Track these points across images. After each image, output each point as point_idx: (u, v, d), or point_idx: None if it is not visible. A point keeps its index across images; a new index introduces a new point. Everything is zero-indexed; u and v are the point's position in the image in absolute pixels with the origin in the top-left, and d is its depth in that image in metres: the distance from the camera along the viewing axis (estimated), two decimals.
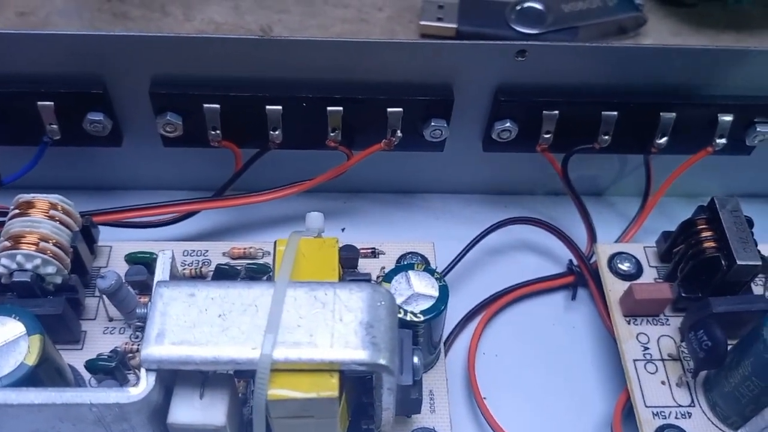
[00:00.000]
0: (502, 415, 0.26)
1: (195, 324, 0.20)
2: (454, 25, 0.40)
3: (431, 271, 0.24)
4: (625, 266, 0.29)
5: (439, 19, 0.41)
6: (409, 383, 0.21)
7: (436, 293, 0.24)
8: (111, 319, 0.26)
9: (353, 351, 0.20)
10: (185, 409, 0.20)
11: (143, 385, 0.20)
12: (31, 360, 0.21)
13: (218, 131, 0.28)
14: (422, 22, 0.41)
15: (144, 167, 0.31)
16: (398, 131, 0.29)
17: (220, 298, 0.20)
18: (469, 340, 0.29)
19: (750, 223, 0.27)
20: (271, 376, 0.19)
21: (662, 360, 0.27)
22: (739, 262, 0.25)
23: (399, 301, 0.23)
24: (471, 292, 0.30)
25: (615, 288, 0.29)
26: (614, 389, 0.28)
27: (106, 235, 0.28)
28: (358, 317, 0.20)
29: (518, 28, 0.41)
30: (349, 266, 0.27)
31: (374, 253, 0.28)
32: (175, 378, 0.21)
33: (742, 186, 0.33)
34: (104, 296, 0.25)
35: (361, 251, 0.28)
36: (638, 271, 0.29)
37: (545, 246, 0.32)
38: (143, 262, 0.26)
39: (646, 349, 0.27)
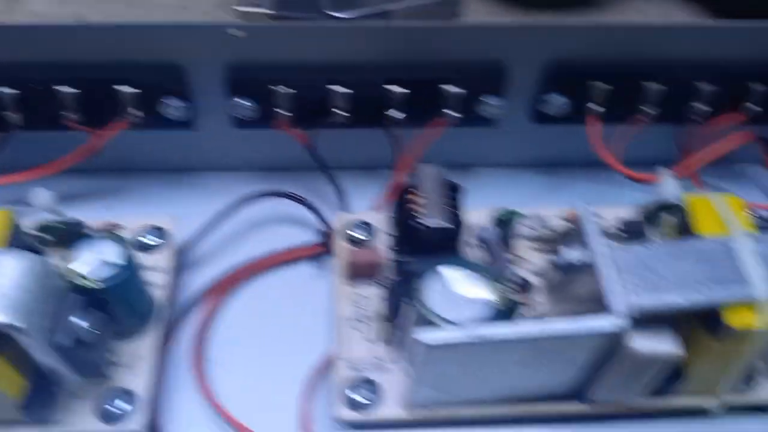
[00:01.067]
0: (221, 385, 0.28)
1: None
2: (271, 11, 0.42)
3: (120, 239, 0.26)
4: (359, 234, 0.31)
5: (255, 4, 0.43)
6: (65, 344, 0.23)
7: (121, 262, 0.25)
8: None
9: None
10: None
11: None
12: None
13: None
14: (237, 7, 0.43)
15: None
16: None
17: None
18: (202, 315, 0.30)
19: (454, 188, 0.28)
20: None
21: (371, 319, 0.28)
22: (423, 223, 0.27)
23: (81, 268, 0.25)
24: (218, 266, 0.31)
25: (343, 255, 0.30)
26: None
27: None
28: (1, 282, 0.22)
29: (332, 13, 0.42)
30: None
31: (113, 228, 0.30)
32: None
33: (494, 156, 0.35)
34: None
35: (101, 226, 0.29)
36: (372, 239, 0.31)
37: (300, 218, 0.33)
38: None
39: (359, 307, 0.29)
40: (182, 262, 0.31)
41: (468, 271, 0.25)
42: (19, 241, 0.25)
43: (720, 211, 0.25)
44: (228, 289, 0.31)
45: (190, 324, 0.30)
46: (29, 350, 0.22)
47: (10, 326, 0.21)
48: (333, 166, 0.33)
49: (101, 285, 0.24)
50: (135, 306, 0.27)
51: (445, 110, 0.31)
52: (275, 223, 0.33)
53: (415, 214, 0.27)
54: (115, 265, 0.25)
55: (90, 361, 0.24)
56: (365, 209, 0.33)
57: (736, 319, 0.23)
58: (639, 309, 0.23)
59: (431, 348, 0.22)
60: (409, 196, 0.28)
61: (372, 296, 0.29)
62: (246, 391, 0.28)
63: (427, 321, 0.23)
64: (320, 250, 0.32)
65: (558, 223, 0.31)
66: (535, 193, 0.35)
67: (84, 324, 0.23)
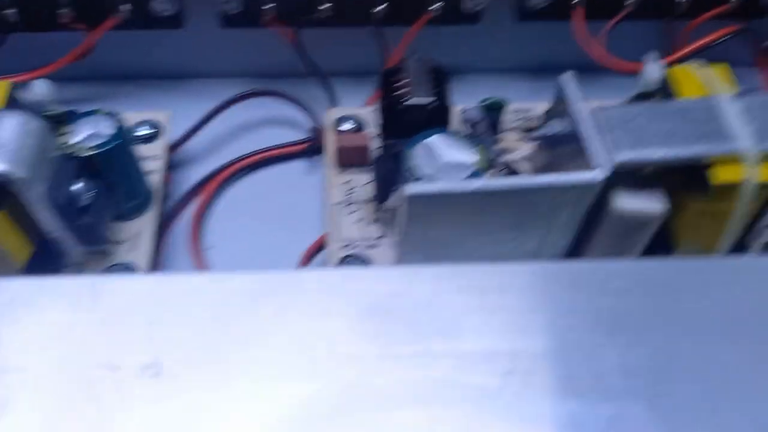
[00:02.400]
0: (218, 268, 0.29)
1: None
2: None
3: (113, 114, 0.26)
4: (347, 126, 0.31)
5: None
6: (64, 204, 0.24)
7: (111, 131, 0.26)
8: None
9: None
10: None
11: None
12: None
13: None
14: None
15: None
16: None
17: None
18: (198, 205, 0.30)
19: (440, 72, 0.29)
20: None
21: (361, 204, 0.29)
22: (408, 101, 0.27)
23: (76, 139, 0.25)
24: (211, 163, 0.32)
25: (332, 146, 0.31)
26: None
27: None
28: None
29: None
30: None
31: None
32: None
33: (479, 58, 0.35)
34: None
35: None
36: (359, 131, 0.31)
37: (291, 119, 0.34)
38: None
39: (350, 192, 0.29)
40: (176, 159, 0.32)
41: (453, 139, 0.25)
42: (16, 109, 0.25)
43: (705, 80, 0.26)
44: (222, 182, 0.31)
45: (186, 213, 0.30)
46: (31, 206, 0.23)
47: (12, 176, 0.22)
48: (321, 69, 0.33)
49: (93, 152, 0.25)
50: (130, 181, 0.27)
51: (430, 5, 0.32)
52: (265, 124, 0.34)
53: (402, 94, 0.28)
54: (106, 134, 0.26)
55: (90, 230, 0.25)
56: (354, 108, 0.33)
57: (722, 174, 0.23)
58: (621, 163, 0.23)
59: (413, 198, 0.22)
60: (395, 79, 0.29)
61: (361, 182, 0.30)
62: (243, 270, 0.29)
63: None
64: (311, 147, 0.32)
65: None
66: (521, 95, 0.35)
67: (80, 186, 0.24)
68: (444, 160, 0.24)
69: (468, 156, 0.25)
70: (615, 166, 0.23)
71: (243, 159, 0.32)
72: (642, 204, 0.24)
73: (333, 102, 0.33)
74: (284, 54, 0.33)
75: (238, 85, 0.34)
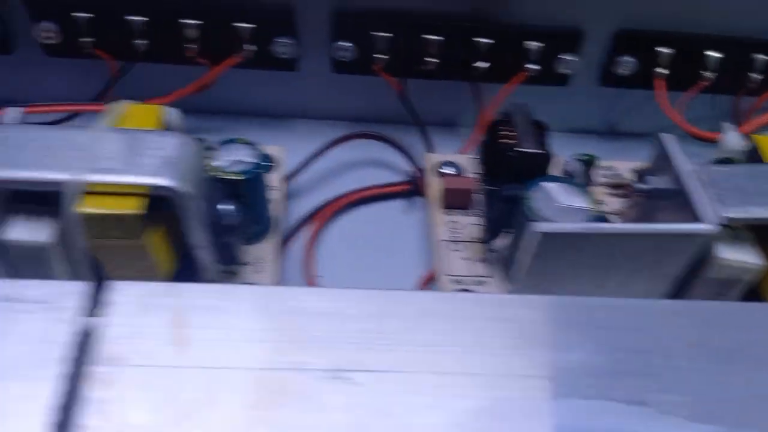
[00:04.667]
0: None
1: (22, 151, 0.24)
2: None
3: (252, 144, 0.28)
4: (447, 170, 0.34)
5: None
6: (223, 220, 0.25)
7: (255, 160, 0.28)
8: None
9: (154, 177, 0.24)
10: (18, 229, 0.24)
11: None
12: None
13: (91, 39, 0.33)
14: None
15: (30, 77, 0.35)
16: (252, 45, 0.33)
17: (53, 135, 0.24)
18: (311, 233, 0.33)
19: (541, 125, 0.31)
20: (85, 197, 0.23)
21: (468, 242, 0.31)
22: (522, 149, 0.29)
23: (219, 164, 0.27)
24: (318, 195, 0.34)
25: (436, 186, 0.33)
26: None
27: None
28: (165, 154, 0.24)
29: None
30: None
31: None
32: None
33: (565, 117, 0.38)
34: None
35: None
36: (458, 175, 0.34)
37: (390, 162, 0.36)
38: None
39: (455, 233, 0.31)
40: (286, 191, 0.34)
41: (567, 186, 0.27)
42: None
43: None
44: (329, 215, 0.33)
45: (298, 241, 0.32)
46: (188, 221, 0.24)
47: (179, 191, 0.23)
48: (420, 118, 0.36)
49: (240, 177, 0.27)
50: (260, 207, 0.29)
51: (527, 65, 0.34)
52: (366, 164, 0.36)
53: (510, 143, 0.30)
54: (249, 162, 0.28)
55: (230, 250, 0.27)
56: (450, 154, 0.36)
57: None
58: (727, 218, 0.26)
59: (546, 236, 0.24)
60: (501, 129, 0.31)
61: (464, 222, 0.32)
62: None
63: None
64: (410, 188, 0.35)
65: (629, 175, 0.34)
66: (602, 154, 0.38)
67: (230, 207, 0.26)
68: (561, 203, 0.27)
69: (583, 201, 0.27)
70: (724, 220, 0.26)
71: (350, 195, 0.34)
72: (743, 257, 0.26)
73: (429, 148, 0.35)
74: (386, 99, 0.36)
75: (341, 127, 0.36)
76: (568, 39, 0.34)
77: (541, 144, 0.30)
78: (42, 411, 0.18)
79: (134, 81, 0.34)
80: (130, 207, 0.23)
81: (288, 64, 0.34)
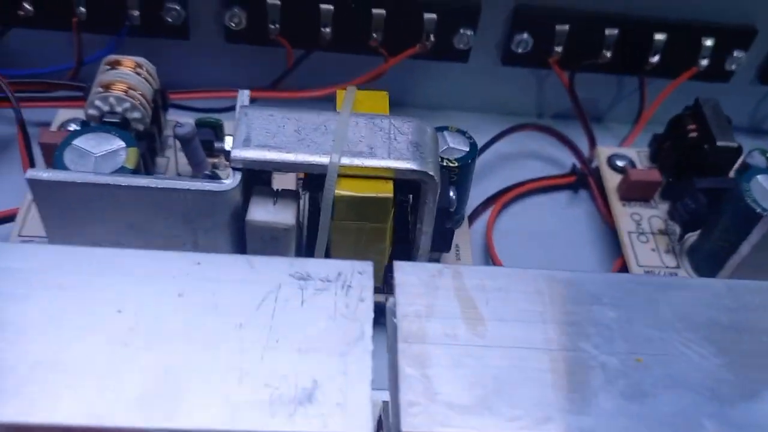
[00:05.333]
0: None
1: (275, 134, 0.24)
2: None
3: (463, 132, 0.29)
4: (620, 163, 0.34)
5: None
6: (449, 206, 0.26)
7: (466, 148, 0.28)
8: (179, 174, 0.30)
9: (406, 162, 0.24)
10: (261, 210, 0.24)
11: (232, 180, 0.24)
12: (131, 164, 0.25)
13: (277, 25, 0.33)
14: None
15: (206, 62, 0.35)
16: (431, 36, 0.33)
17: (295, 119, 0.25)
18: (487, 220, 0.33)
19: (729, 120, 0.32)
20: (338, 180, 0.24)
21: (652, 233, 0.31)
22: (718, 143, 0.30)
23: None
24: (486, 185, 0.34)
25: (612, 179, 0.33)
26: (610, 262, 0.32)
27: (170, 116, 0.33)
28: (409, 139, 0.24)
29: None
30: None
31: None
32: (250, 188, 0.25)
33: None
34: (178, 145, 0.29)
35: None
36: (633, 167, 0.34)
37: (552, 154, 0.36)
38: (211, 126, 0.30)
39: (639, 224, 0.32)
40: None
41: None
42: None
43: None
44: (503, 205, 0.33)
45: (475, 230, 0.33)
46: (425, 206, 0.25)
47: (430, 177, 0.24)
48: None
49: (456, 164, 0.27)
50: (467, 194, 0.29)
51: (700, 60, 0.35)
52: (525, 157, 0.37)
53: (704, 137, 0.30)
54: (462, 150, 0.28)
55: (447, 236, 0.27)
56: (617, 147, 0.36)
57: None
58: None
59: None
60: (690, 123, 0.31)
61: (646, 215, 0.32)
62: None
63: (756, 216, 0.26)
64: (578, 180, 0.35)
65: None
66: None
67: (453, 193, 0.26)
68: None
69: None
70: None
71: (521, 185, 0.34)
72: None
73: (593, 142, 0.36)
74: (548, 95, 0.36)
75: (502, 121, 0.36)
76: (741, 36, 0.34)
77: (734, 138, 0.30)
78: (365, 385, 0.18)
79: (303, 70, 0.34)
80: (385, 191, 0.24)
81: (462, 55, 0.34)
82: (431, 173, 0.24)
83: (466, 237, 0.30)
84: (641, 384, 0.19)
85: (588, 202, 0.35)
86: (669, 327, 0.20)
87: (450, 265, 0.22)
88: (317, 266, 0.21)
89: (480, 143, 0.33)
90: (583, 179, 0.35)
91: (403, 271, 0.21)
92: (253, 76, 0.34)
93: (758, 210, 0.26)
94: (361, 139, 0.24)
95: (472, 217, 0.33)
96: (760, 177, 0.28)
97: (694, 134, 0.31)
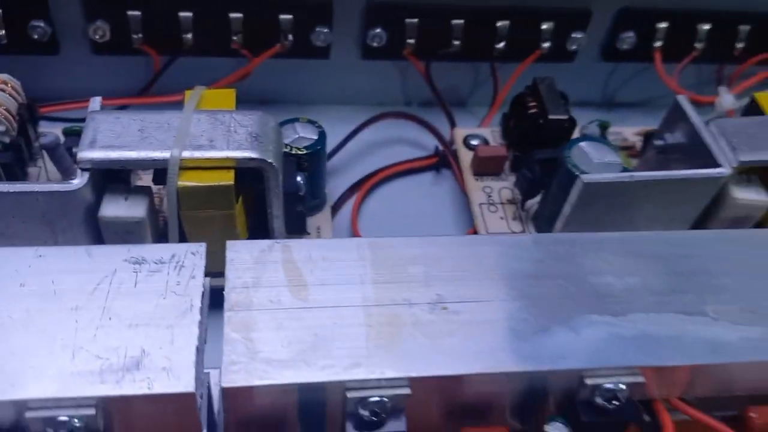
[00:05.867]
0: None
1: (120, 135, 0.26)
2: None
3: (313, 122, 0.31)
4: (475, 142, 0.37)
5: None
6: (297, 191, 0.28)
7: (315, 136, 0.30)
8: (49, 180, 0.32)
9: (245, 151, 0.26)
10: (113, 206, 0.26)
11: (80, 180, 0.25)
12: None
13: (140, 35, 0.34)
14: None
15: (77, 74, 0.37)
16: (289, 35, 0.35)
17: (140, 119, 0.26)
18: (353, 204, 0.35)
19: (564, 95, 0.35)
20: (180, 173, 0.26)
21: (502, 204, 0.34)
22: (550, 117, 0.33)
23: (287, 141, 0.30)
24: (354, 172, 0.37)
25: (467, 157, 0.36)
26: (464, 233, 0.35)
27: (44, 127, 0.34)
28: (249, 130, 0.27)
29: None
30: None
31: None
32: (104, 187, 0.26)
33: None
34: (45, 154, 0.30)
35: None
36: (484, 145, 0.37)
37: (416, 139, 0.39)
38: (77, 134, 0.32)
39: (490, 196, 0.34)
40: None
41: (599, 145, 0.31)
42: None
43: None
44: (368, 188, 0.36)
45: (341, 214, 0.35)
46: (270, 192, 0.27)
47: (270, 165, 0.26)
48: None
49: (303, 152, 0.29)
50: (321, 180, 0.31)
51: (542, 43, 0.38)
52: (393, 143, 0.39)
53: (540, 112, 0.33)
54: (311, 138, 0.30)
55: (299, 219, 0.29)
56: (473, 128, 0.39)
57: None
58: (740, 162, 0.29)
59: (590, 186, 0.28)
60: (529, 100, 0.34)
61: (496, 187, 0.35)
62: None
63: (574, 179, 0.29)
64: (439, 161, 0.38)
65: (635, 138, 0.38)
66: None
67: (300, 179, 0.28)
68: (597, 160, 0.30)
69: (614, 157, 0.30)
70: (737, 164, 0.29)
71: (385, 169, 0.36)
72: (754, 196, 0.30)
73: (453, 124, 0.38)
74: (409, 84, 0.39)
75: (367, 111, 0.38)
76: (577, 18, 0.38)
77: (567, 111, 0.33)
78: (190, 351, 0.20)
79: (173, 75, 0.36)
80: (226, 179, 0.26)
81: (323, 52, 0.37)
82: (270, 160, 0.26)
83: (327, 220, 0.33)
84: (447, 327, 0.22)
85: (451, 180, 0.38)
86: (476, 278, 0.23)
87: (281, 240, 0.24)
88: (153, 250, 0.23)
89: (347, 133, 0.36)
90: (444, 160, 0.38)
91: (234, 249, 0.23)
92: (124, 85, 0.36)
93: (576, 173, 0.29)
94: (203, 134, 0.26)
95: (340, 202, 0.35)
96: (582, 144, 0.31)
97: (533, 110, 0.34)
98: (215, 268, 0.23)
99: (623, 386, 0.21)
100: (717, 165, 0.29)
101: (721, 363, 0.22)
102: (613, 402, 0.22)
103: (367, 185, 0.36)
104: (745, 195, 0.30)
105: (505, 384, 0.22)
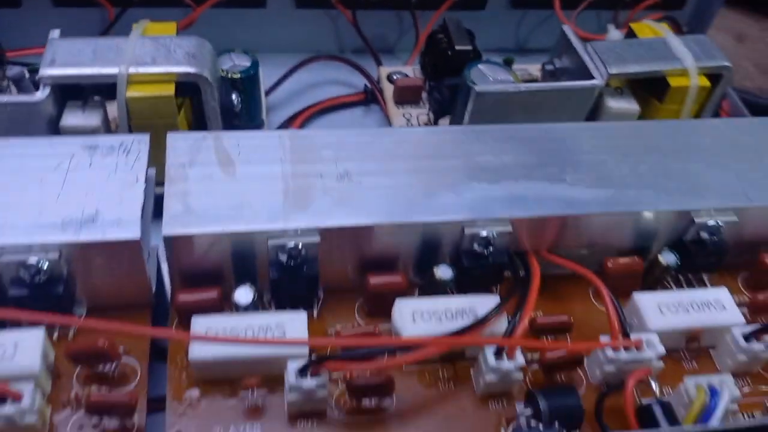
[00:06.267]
0: None
1: (76, 55, 0.30)
2: None
3: (247, 52, 0.35)
4: (396, 77, 0.42)
5: None
6: (232, 107, 0.32)
7: (248, 63, 0.35)
8: None
9: (183, 66, 0.30)
10: (71, 117, 0.30)
11: (42, 93, 0.29)
12: None
13: None
14: None
15: (38, 26, 0.40)
16: None
17: (93, 43, 0.31)
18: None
19: (470, 32, 0.40)
20: (128, 86, 0.30)
21: (419, 125, 0.39)
22: (456, 48, 0.38)
23: (224, 67, 0.34)
24: (292, 107, 0.41)
25: (390, 90, 0.41)
26: None
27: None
28: (187, 51, 0.31)
29: None
30: None
31: None
32: (63, 103, 0.31)
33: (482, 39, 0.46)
34: (13, 87, 0.34)
35: None
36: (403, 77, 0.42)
37: (348, 79, 0.44)
38: None
39: (409, 121, 0.39)
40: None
41: (494, 66, 0.36)
42: None
43: (657, 29, 0.38)
44: (306, 119, 0.40)
45: None
46: (207, 103, 0.31)
47: (205, 79, 0.30)
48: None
49: (238, 75, 0.34)
50: (257, 103, 0.36)
51: None
52: (327, 84, 0.44)
53: (449, 45, 0.38)
54: (245, 65, 0.35)
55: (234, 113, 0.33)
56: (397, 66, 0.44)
57: (674, 82, 0.35)
58: (610, 74, 0.34)
59: (479, 95, 0.33)
60: (440, 36, 0.39)
61: (414, 113, 0.40)
62: None
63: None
64: (368, 97, 0.42)
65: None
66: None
67: (234, 96, 0.33)
68: (492, 78, 0.35)
69: (507, 76, 0.35)
70: (608, 76, 0.34)
71: (320, 103, 0.41)
72: (625, 105, 0.35)
73: (379, 63, 0.43)
74: (340, 32, 0.44)
75: (302, 58, 0.43)
76: None
77: (472, 44, 0.38)
78: (136, 209, 0.24)
79: (126, 25, 0.40)
80: (167, 90, 0.30)
81: (259, 2, 0.41)
82: (205, 75, 0.30)
83: None
84: (351, 192, 0.26)
85: (379, 113, 0.42)
86: (378, 158, 0.28)
87: (213, 132, 0.28)
88: (105, 139, 0.27)
89: (282, 74, 0.41)
90: (372, 95, 0.42)
91: (174, 138, 0.28)
92: (81, 34, 0.40)
93: (472, 86, 0.34)
94: (146, 54, 0.30)
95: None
96: (480, 66, 0.36)
97: (443, 45, 0.39)
98: (159, 176, 0.27)
99: (495, 234, 0.26)
100: (592, 78, 0.35)
101: (574, 214, 0.27)
102: (489, 248, 0.27)
103: (302, 117, 0.40)
104: (618, 104, 0.35)
105: (399, 235, 0.26)
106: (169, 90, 0.30)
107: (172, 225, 0.24)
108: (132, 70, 0.30)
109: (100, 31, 0.40)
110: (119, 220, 0.24)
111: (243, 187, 0.26)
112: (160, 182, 0.27)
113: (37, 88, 0.35)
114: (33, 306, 0.23)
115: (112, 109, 0.32)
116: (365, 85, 0.43)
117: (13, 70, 0.33)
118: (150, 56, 0.30)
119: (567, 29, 0.37)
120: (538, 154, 0.29)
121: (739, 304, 0.27)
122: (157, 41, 0.31)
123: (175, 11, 0.40)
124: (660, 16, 0.46)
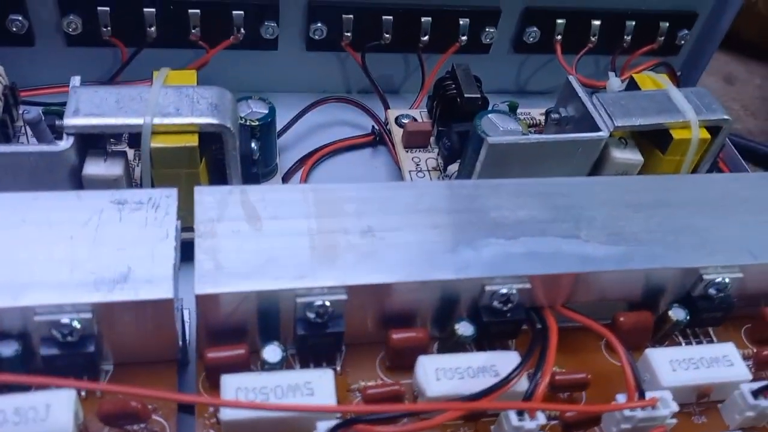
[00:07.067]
0: None
1: (99, 105, 0.30)
2: None
3: (264, 99, 0.36)
4: (405, 120, 0.43)
5: None
6: (251, 154, 0.33)
7: (266, 111, 0.36)
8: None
9: (207, 117, 0.31)
10: (94, 166, 0.31)
11: (65, 142, 0.30)
12: None
13: (109, 28, 0.39)
14: None
15: (51, 65, 0.41)
16: (242, 28, 0.41)
17: (116, 93, 0.31)
18: (300, 175, 0.40)
19: (477, 79, 0.41)
20: (152, 136, 0.30)
21: (428, 170, 0.40)
22: (465, 95, 0.39)
23: (242, 114, 0.35)
24: (302, 148, 0.42)
25: (399, 133, 0.42)
26: None
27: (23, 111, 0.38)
28: (209, 101, 0.32)
29: None
30: None
31: None
32: (85, 152, 0.31)
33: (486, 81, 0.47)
34: (28, 130, 0.34)
35: None
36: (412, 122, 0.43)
37: (356, 120, 0.45)
38: (56, 114, 0.36)
39: (418, 165, 0.40)
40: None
41: (503, 116, 0.37)
42: None
43: (659, 81, 0.39)
44: (315, 161, 0.41)
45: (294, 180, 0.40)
46: (228, 153, 0.31)
47: (228, 129, 0.31)
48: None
49: (257, 123, 0.35)
50: (272, 149, 0.37)
51: (461, 36, 0.44)
52: (335, 124, 0.45)
53: (457, 92, 0.39)
54: (263, 112, 0.35)
55: (254, 181, 0.34)
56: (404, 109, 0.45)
57: (677, 134, 0.36)
58: (616, 126, 0.36)
59: (492, 146, 0.34)
60: (448, 83, 0.40)
61: (423, 157, 0.41)
62: None
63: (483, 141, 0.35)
64: (375, 139, 0.43)
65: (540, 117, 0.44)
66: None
67: (254, 145, 0.33)
68: (501, 127, 0.36)
69: (516, 126, 0.36)
70: (614, 128, 0.36)
71: (329, 145, 0.42)
72: (630, 155, 0.36)
73: (387, 106, 0.44)
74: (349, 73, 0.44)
75: (310, 98, 0.44)
76: (489, 15, 0.44)
77: (480, 91, 0.39)
78: (168, 267, 0.25)
79: (139, 65, 0.41)
80: (191, 141, 0.30)
81: (271, 44, 0.42)
82: (228, 125, 0.31)
83: (277, 181, 0.38)
84: (375, 248, 0.27)
85: (386, 155, 0.43)
86: (398, 213, 0.29)
87: (239, 186, 0.29)
88: (133, 194, 0.28)
89: (292, 116, 0.41)
90: (380, 137, 0.43)
91: (201, 193, 0.28)
92: (93, 74, 0.40)
93: (484, 136, 0.35)
94: (170, 104, 0.31)
95: (290, 173, 0.40)
96: (490, 115, 0.37)
97: (451, 91, 0.40)
98: (183, 224, 0.28)
99: (514, 291, 0.27)
100: (598, 129, 0.36)
101: (590, 271, 0.28)
102: (508, 305, 0.27)
103: (313, 159, 0.41)
104: (623, 155, 0.37)
105: (422, 291, 0.27)
106: (193, 141, 0.30)
107: (204, 284, 0.25)
108: (156, 120, 0.30)
109: (113, 72, 0.40)
110: (151, 279, 0.25)
111: (270, 242, 0.27)
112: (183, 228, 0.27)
113: (53, 132, 0.35)
114: (62, 363, 0.24)
115: (130, 153, 0.33)
116: (372, 126, 0.44)
117: (30, 114, 0.33)
118: (173, 106, 0.31)
119: (573, 80, 0.38)
120: (552, 209, 0.30)
121: (744, 358, 0.29)
122: (180, 91, 0.32)
123: (188, 53, 0.41)
124: (656, 61, 0.48)
